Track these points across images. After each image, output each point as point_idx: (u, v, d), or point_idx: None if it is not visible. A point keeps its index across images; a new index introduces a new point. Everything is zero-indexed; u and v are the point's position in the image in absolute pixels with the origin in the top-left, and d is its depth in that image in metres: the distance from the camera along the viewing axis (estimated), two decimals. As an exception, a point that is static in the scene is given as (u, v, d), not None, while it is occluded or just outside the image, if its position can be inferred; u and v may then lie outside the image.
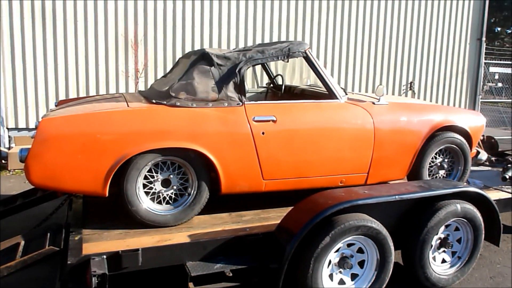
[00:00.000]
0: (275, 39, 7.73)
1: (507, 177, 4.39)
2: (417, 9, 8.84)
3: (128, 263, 2.59)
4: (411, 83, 8.97)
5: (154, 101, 3.13)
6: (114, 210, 3.32)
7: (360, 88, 8.51)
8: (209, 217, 3.30)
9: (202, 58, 3.26)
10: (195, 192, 3.12)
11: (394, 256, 3.06)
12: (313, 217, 2.69)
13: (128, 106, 3.09)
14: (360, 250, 2.99)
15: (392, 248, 2.99)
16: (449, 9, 9.17)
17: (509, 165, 4.57)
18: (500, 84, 11.86)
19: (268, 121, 3.21)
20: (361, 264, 3.02)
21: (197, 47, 7.42)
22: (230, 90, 3.18)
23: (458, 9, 9.27)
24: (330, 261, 2.88)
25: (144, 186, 3.04)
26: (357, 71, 8.47)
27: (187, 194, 3.14)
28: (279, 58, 3.38)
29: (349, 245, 2.94)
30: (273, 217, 3.29)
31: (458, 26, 9.34)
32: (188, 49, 7.27)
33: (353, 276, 3.02)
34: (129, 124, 2.90)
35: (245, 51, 3.33)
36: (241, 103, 3.19)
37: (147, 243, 2.78)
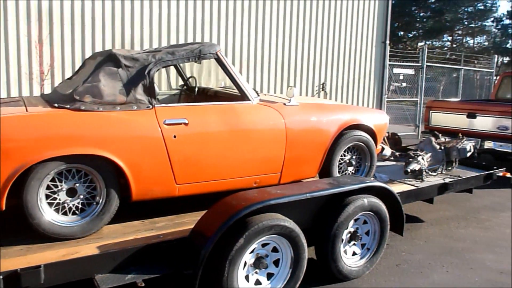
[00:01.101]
0: (189, 41, 7.64)
1: (409, 170, 4.71)
2: (327, 14, 9.22)
3: (29, 282, 2.38)
4: (323, 84, 9.33)
5: (56, 105, 2.92)
6: (14, 224, 3.05)
7: (275, 89, 8.68)
8: (120, 226, 3.15)
9: (109, 59, 3.12)
10: (103, 201, 2.96)
11: (308, 252, 3.15)
12: (226, 220, 2.68)
13: (26, 110, 2.85)
14: (274, 249, 3.03)
15: (305, 245, 3.07)
16: (356, 14, 9.68)
17: (411, 159, 4.91)
18: (404, 84, 12.73)
19: (180, 124, 3.14)
20: (276, 263, 3.06)
21: (108, 47, 7.11)
22: (139, 93, 3.07)
23: (364, 14, 9.82)
24: (245, 263, 2.89)
25: (47, 196, 2.83)
26: (272, 73, 8.63)
27: (95, 203, 2.97)
28: (190, 60, 3.33)
29: (263, 245, 2.97)
30: (188, 222, 3.23)
31: (364, 30, 9.90)
32: (98, 49, 6.93)
33: (269, 276, 3.05)
34: (27, 130, 2.68)
35: (154, 52, 3.23)
36: (151, 106, 3.09)
37: (51, 258, 2.58)
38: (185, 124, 3.16)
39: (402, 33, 37.65)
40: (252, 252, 2.91)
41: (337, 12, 9.37)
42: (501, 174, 5.51)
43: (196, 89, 4.01)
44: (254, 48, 8.34)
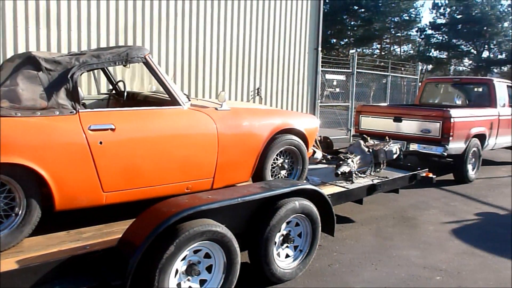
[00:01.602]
0: (121, 44, 7.41)
1: (339, 172, 4.87)
2: (261, 20, 9.34)
3: None
4: (258, 89, 9.43)
5: (-31, 110, 2.72)
6: None
7: (210, 95, 8.64)
8: (44, 237, 2.98)
9: (28, 62, 2.93)
10: (23, 212, 2.78)
11: (243, 256, 3.15)
12: (155, 227, 2.62)
13: None
14: (207, 255, 3.00)
15: (238, 249, 3.06)
16: (289, 22, 9.89)
17: (341, 162, 5.08)
18: (338, 90, 13.17)
19: (106, 129, 3.02)
20: (209, 269, 3.03)
21: (32, 49, 6.71)
22: (62, 97, 2.92)
23: (297, 22, 10.06)
24: (177, 270, 2.83)
25: (-41, 209, 2.63)
26: (207, 79, 8.58)
27: (14, 214, 2.77)
28: (117, 64, 3.22)
29: (195, 251, 2.92)
30: (117, 231, 3.11)
31: (297, 37, 10.13)
32: (22, 51, 6.53)
33: (202, 282, 3.01)
34: None
35: (78, 55, 3.10)
36: (74, 111, 2.95)
37: (-37, 275, 2.40)
38: (112, 129, 3.05)
39: (334, 40, 39.11)
40: (183, 259, 2.85)
41: (270, 20, 9.52)
42: (424, 174, 5.84)
43: (125, 93, 3.89)
44: (189, 53, 8.26)
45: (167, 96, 3.53)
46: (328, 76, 12.07)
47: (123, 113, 3.21)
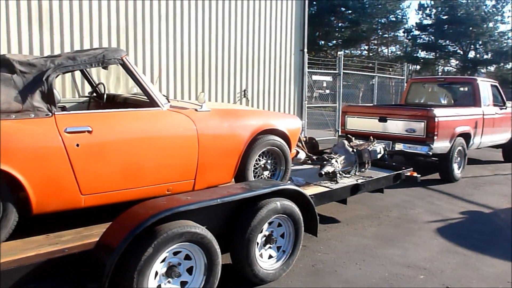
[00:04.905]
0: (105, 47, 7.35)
1: (323, 173, 4.87)
2: (246, 21, 9.35)
3: None
4: (244, 91, 9.43)
5: None
6: None
7: (196, 97, 8.61)
8: (21, 241, 2.94)
9: (1, 65, 2.90)
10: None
11: (225, 257, 3.13)
12: (133, 229, 2.59)
13: None
14: (187, 257, 2.97)
15: (219, 250, 3.04)
16: (275, 23, 9.92)
17: (325, 162, 5.09)
18: (328, 91, 13.20)
19: (83, 131, 3.00)
20: (190, 270, 3.01)
21: (14, 51, 6.63)
22: (37, 100, 2.89)
23: (283, 23, 10.08)
24: (157, 272, 2.80)
25: None
26: (193, 81, 8.56)
27: (-11, 219, 2.75)
28: (94, 65, 3.20)
29: (175, 253, 2.90)
30: (97, 233, 3.06)
31: (283, 38, 10.15)
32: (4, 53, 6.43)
33: (183, 284, 2.98)
34: None
35: (53, 58, 3.07)
36: (50, 114, 2.92)
37: None
38: (89, 131, 3.02)
39: (322, 42, 39.27)
40: (163, 261, 2.83)
41: (255, 21, 9.54)
42: (409, 173, 5.86)
43: (105, 96, 3.86)
44: (173, 55, 8.23)
45: (146, 98, 3.51)
46: (315, 77, 12.10)
47: (100, 115, 3.19)
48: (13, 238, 2.90)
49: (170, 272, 2.87)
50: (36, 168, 2.80)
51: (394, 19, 39.15)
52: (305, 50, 10.56)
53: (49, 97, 2.93)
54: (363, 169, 5.50)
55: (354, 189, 4.89)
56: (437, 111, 6.99)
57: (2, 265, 2.56)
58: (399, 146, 7.32)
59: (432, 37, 38.40)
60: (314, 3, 34.05)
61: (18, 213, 2.84)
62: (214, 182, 3.79)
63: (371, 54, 40.16)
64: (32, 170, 2.79)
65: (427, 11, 39.42)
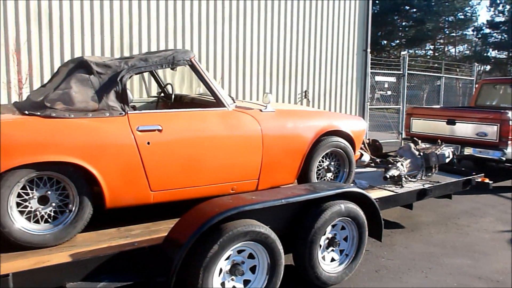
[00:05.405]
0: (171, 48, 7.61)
1: (388, 176, 4.73)
2: (308, 22, 9.31)
3: (-4, 292, 2.34)
4: (305, 92, 9.38)
5: (26, 112, 2.88)
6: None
7: (257, 98, 8.69)
8: (95, 233, 3.11)
9: (80, 66, 3.09)
10: (76, 209, 2.91)
11: (287, 258, 3.12)
12: (200, 226, 2.65)
13: (-4, 118, 2.81)
14: (250, 256, 3.00)
15: (282, 251, 3.04)
16: (337, 23, 9.79)
17: (390, 166, 4.94)
18: (389, 92, 12.85)
19: (154, 130, 3.11)
20: (253, 269, 3.03)
21: (88, 53, 7.04)
22: (112, 99, 3.04)
23: (345, 23, 9.94)
24: (221, 269, 2.86)
25: (18, 204, 2.77)
26: (254, 81, 8.65)
27: (68, 211, 2.92)
28: (164, 67, 3.31)
29: (239, 251, 2.94)
30: (164, 229, 3.18)
31: (346, 39, 10.00)
32: (77, 56, 6.84)
33: (246, 282, 3.01)
34: (-6, 137, 2.63)
35: (127, 59, 3.21)
36: (123, 113, 3.06)
37: (21, 267, 2.52)
38: (159, 130, 3.14)
39: (385, 42, 38.21)
40: (227, 258, 2.87)
41: (318, 21, 9.47)
42: (479, 179, 5.56)
43: (173, 96, 3.99)
44: (236, 56, 8.36)
45: (212, 98, 3.58)
46: (377, 78, 11.80)
47: (169, 114, 3.29)
48: (87, 230, 3.06)
49: (234, 270, 2.91)
50: (110, 164, 2.95)
51: (462, 16, 37.29)
52: (368, 50, 10.33)
53: (122, 97, 3.08)
54: (429, 174, 5.27)
55: (421, 194, 4.71)
56: (511, 114, 6.57)
57: (79, 254, 2.71)
58: (468, 151, 6.98)
59: (505, 35, 36.14)
60: (377, 1, 33.22)
61: (92, 207, 2.99)
62: (277, 182, 3.80)
63: (436, 54, 38.51)
64: (106, 166, 2.93)
65: (500, 8, 37.17)
